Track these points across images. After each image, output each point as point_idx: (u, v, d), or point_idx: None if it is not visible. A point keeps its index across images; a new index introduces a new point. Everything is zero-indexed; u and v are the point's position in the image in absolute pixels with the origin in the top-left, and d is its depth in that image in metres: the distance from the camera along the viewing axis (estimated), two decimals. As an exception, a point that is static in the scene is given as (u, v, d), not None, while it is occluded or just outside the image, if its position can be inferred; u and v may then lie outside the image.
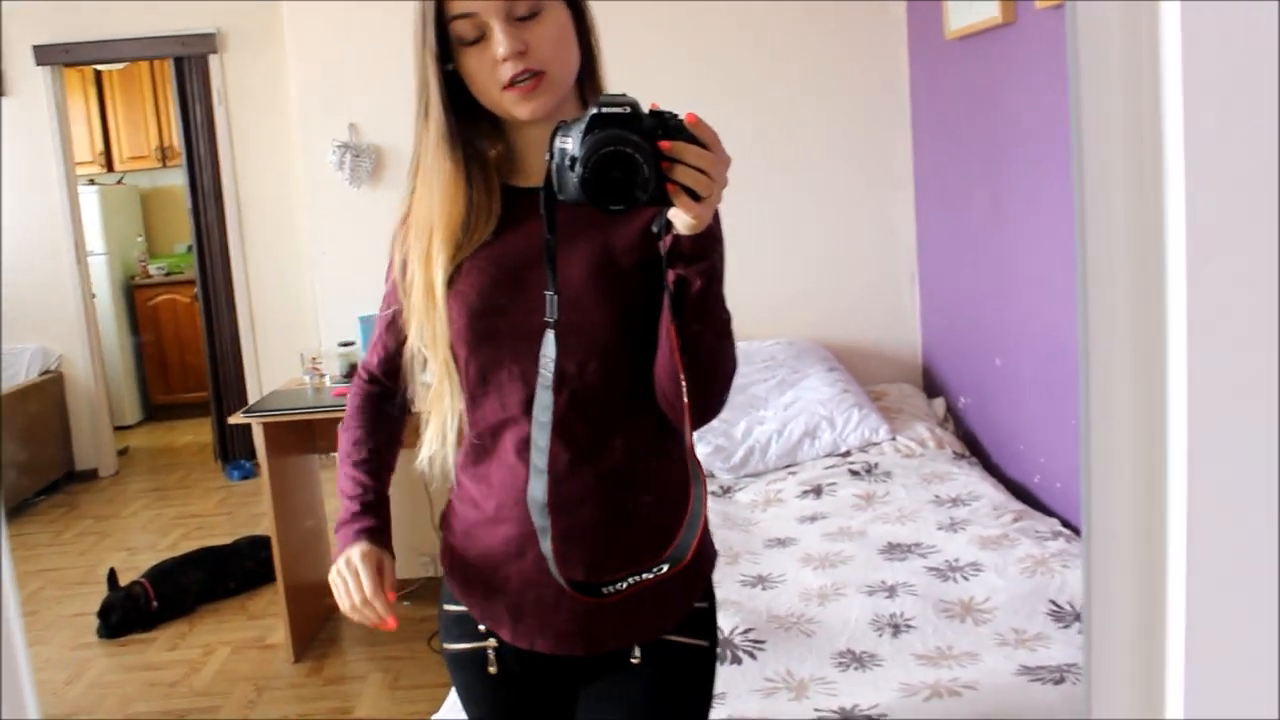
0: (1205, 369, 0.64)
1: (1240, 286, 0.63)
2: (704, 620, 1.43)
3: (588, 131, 1.13)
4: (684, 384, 1.21)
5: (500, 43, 1.23)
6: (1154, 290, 0.66)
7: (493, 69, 1.25)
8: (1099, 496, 0.69)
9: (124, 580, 4.11)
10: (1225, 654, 0.66)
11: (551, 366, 1.24)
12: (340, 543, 1.41)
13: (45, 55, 5.81)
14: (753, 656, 2.15)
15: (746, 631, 2.23)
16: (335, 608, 3.99)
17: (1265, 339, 0.62)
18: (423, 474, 1.43)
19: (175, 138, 6.77)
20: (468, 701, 1.49)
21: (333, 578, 1.38)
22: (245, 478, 5.99)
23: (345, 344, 3.83)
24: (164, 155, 7.72)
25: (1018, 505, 2.82)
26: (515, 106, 1.27)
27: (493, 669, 1.41)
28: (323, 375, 3.85)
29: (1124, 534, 0.69)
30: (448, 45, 1.27)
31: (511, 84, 1.25)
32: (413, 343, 1.37)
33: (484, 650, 1.41)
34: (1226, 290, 0.63)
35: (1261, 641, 0.64)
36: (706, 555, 1.44)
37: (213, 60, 5.80)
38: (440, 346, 1.33)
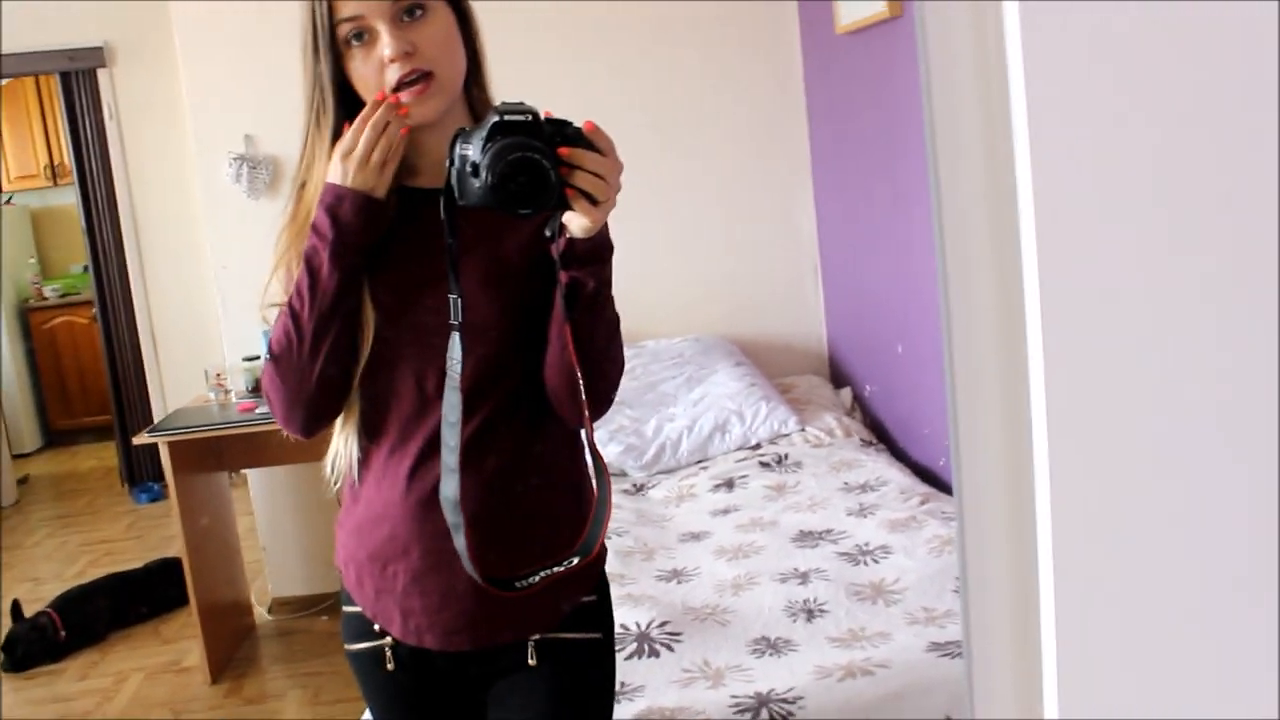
0: (1061, 351, 0.67)
1: (1091, 262, 0.66)
2: (595, 612, 1.45)
3: (489, 139, 1.17)
4: (580, 380, 1.24)
5: (387, 44, 1.25)
6: (1010, 271, 0.69)
7: (379, 71, 1.27)
8: (969, 480, 0.72)
9: (29, 611, 3.99)
10: (1098, 640, 0.69)
11: (458, 368, 1.26)
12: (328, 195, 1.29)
13: (-77, 74, 5.62)
14: (670, 649, 2.17)
15: (663, 625, 2.25)
16: (253, 626, 3.97)
17: (1116, 316, 0.66)
18: (325, 475, 1.44)
19: (65, 155, 6.58)
20: (372, 703, 1.51)
21: (342, 150, 1.27)
22: (154, 500, 5.85)
23: (250, 358, 3.78)
24: (54, 173, 7.50)
25: (924, 488, 2.88)
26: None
27: (390, 666, 1.42)
28: (228, 391, 3.78)
29: (995, 521, 0.72)
30: (336, 50, 1.28)
31: (400, 86, 1.26)
32: None
33: (380, 648, 1.43)
34: (1078, 266, 0.67)
35: (1132, 626, 0.67)
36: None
37: (101, 74, 5.66)
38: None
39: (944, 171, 0.67)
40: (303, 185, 1.37)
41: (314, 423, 1.37)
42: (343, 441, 1.40)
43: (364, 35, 1.26)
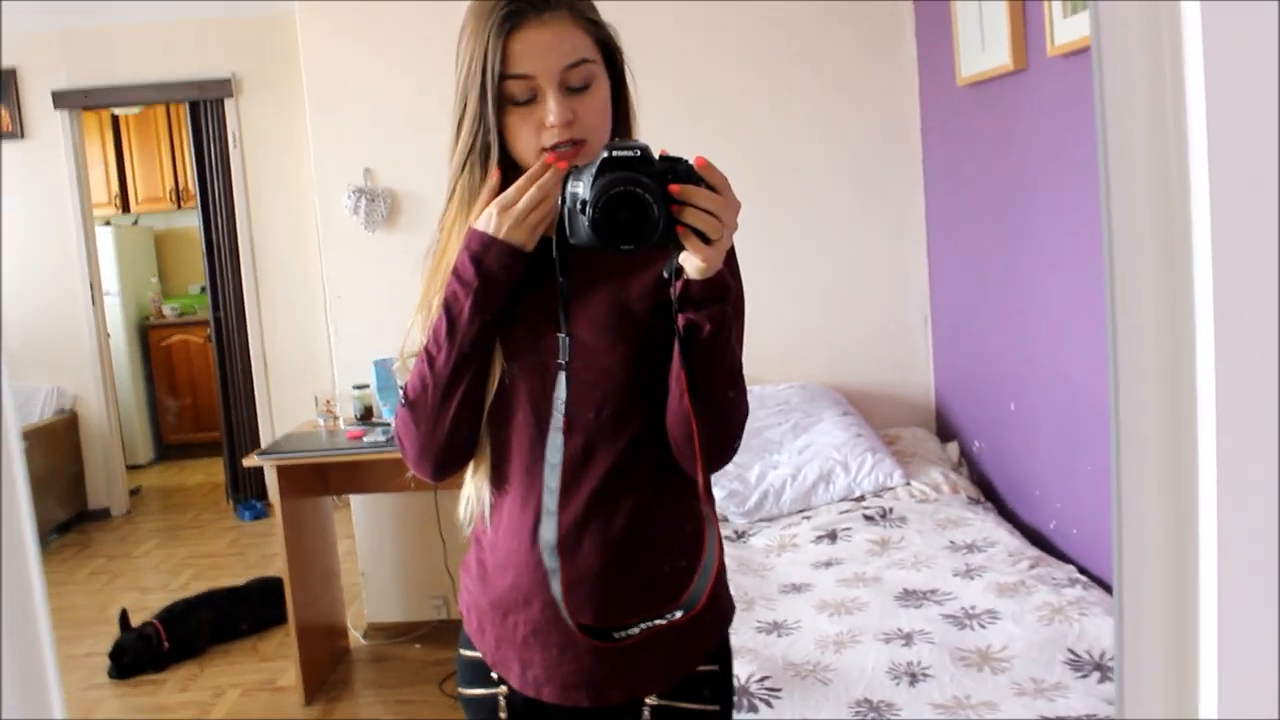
0: (1234, 406, 0.64)
1: (1268, 333, 0.64)
2: (715, 683, 1.42)
3: (598, 175, 1.15)
4: (695, 429, 1.22)
5: (553, 110, 1.24)
6: (1182, 334, 0.67)
7: (536, 131, 1.26)
8: (1130, 546, 0.70)
9: (135, 620, 4.10)
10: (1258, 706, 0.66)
11: (563, 409, 1.26)
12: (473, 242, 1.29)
13: (64, 100, 5.88)
14: (769, 704, 2.13)
15: (763, 679, 2.22)
16: (347, 650, 4.02)
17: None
18: (459, 519, 1.44)
19: (190, 180, 6.83)
20: None
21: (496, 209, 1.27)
22: (256, 518, 5.99)
23: (360, 387, 3.85)
24: (179, 197, 7.79)
25: (1033, 551, 2.80)
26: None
27: (503, 715, 1.41)
28: (336, 418, 3.86)
29: (1153, 589, 0.70)
30: (499, 100, 1.27)
31: (553, 148, 1.26)
32: None
33: (495, 697, 1.42)
34: (1254, 335, 0.64)
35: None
36: (719, 607, 1.43)
37: (228, 104, 5.87)
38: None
39: (1117, 236, 0.65)
40: (448, 227, 1.36)
41: (444, 468, 1.37)
42: (474, 487, 1.40)
43: (531, 96, 1.26)
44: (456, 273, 1.28)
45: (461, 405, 1.31)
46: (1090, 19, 0.64)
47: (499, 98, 1.26)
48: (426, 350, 1.31)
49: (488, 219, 1.27)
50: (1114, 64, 0.67)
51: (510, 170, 1.30)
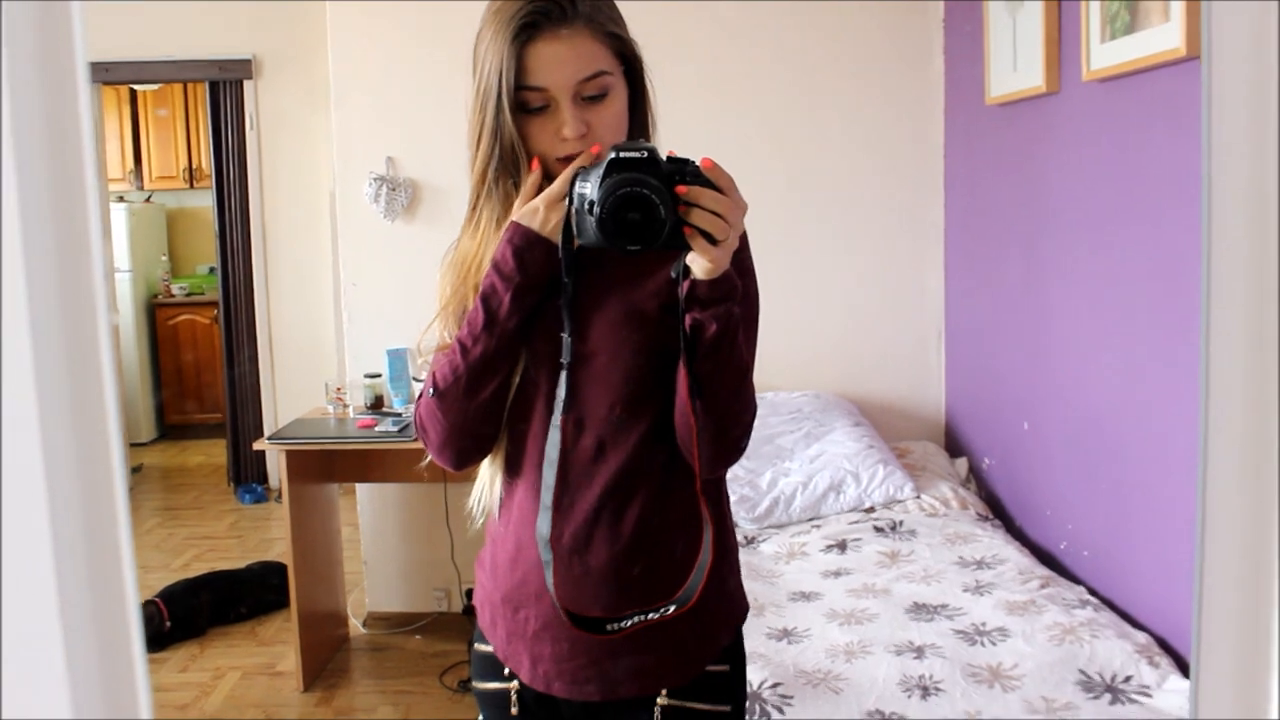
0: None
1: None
2: (726, 683, 1.43)
3: (606, 175, 1.16)
4: (695, 427, 1.23)
5: (567, 122, 1.26)
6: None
7: (553, 139, 1.28)
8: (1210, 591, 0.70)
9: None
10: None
11: (563, 406, 1.28)
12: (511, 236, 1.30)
13: (85, 73, 5.86)
14: (780, 711, 2.14)
15: (775, 686, 2.22)
16: (347, 637, 4.02)
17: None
18: (470, 511, 1.45)
19: (205, 160, 6.82)
20: None
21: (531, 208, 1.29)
22: (257, 501, 5.99)
23: (372, 375, 3.85)
24: (192, 176, 7.78)
25: (1044, 571, 2.81)
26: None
27: (514, 709, 1.43)
28: (346, 406, 3.86)
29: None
30: (514, 108, 1.28)
31: (569, 158, 1.28)
32: None
33: (507, 691, 1.43)
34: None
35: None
36: (730, 608, 1.44)
37: (247, 86, 5.86)
38: None
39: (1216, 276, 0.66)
40: (470, 231, 1.38)
41: (466, 457, 1.39)
42: (488, 480, 1.42)
43: (547, 106, 1.27)
44: (497, 266, 1.29)
45: (490, 397, 1.32)
46: (1202, 23, 0.64)
47: (515, 106, 1.27)
48: (460, 341, 1.32)
49: (533, 213, 1.28)
50: (1221, 75, 0.67)
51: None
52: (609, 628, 1.29)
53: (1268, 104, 0.66)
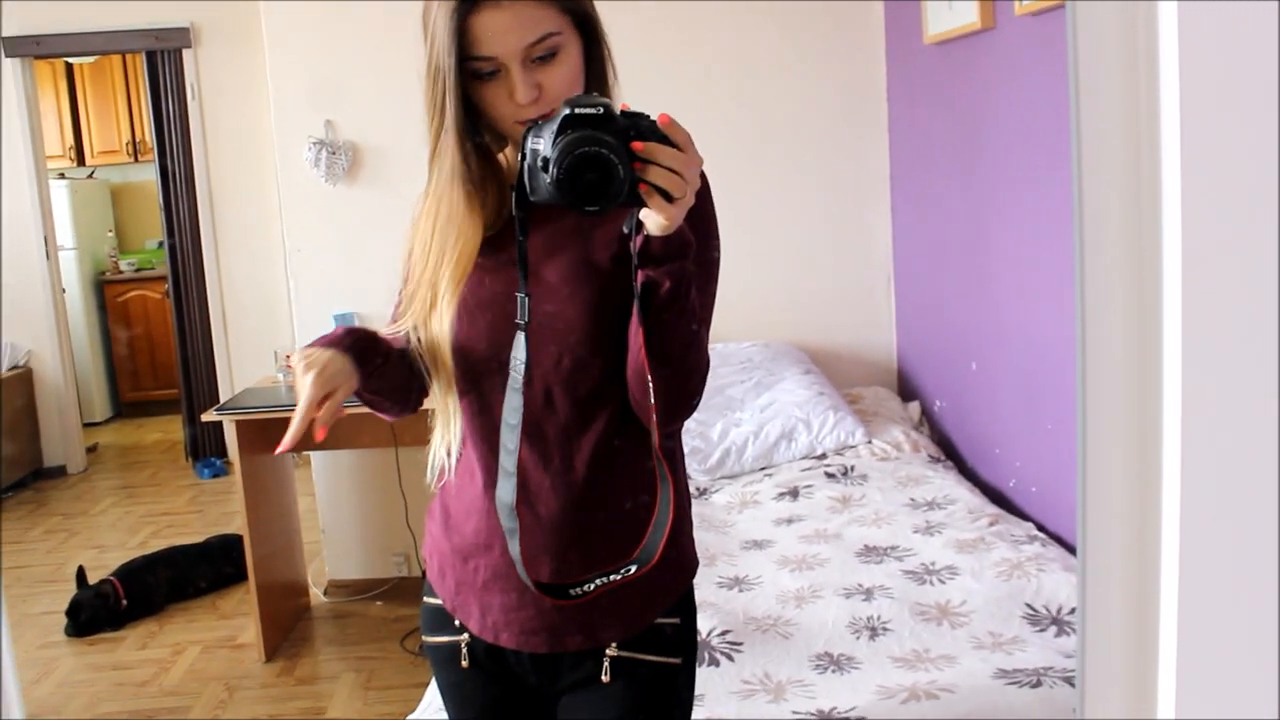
0: (1200, 378, 0.64)
1: (1236, 292, 0.63)
2: (677, 636, 1.42)
3: (560, 132, 1.13)
4: (650, 384, 1.22)
5: (518, 88, 1.23)
6: (1150, 296, 0.66)
7: (507, 103, 1.25)
8: (1093, 505, 0.69)
9: (93, 578, 4.06)
10: (1216, 661, 0.66)
11: (522, 369, 1.26)
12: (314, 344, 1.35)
13: (15, 47, 5.74)
14: (730, 658, 2.14)
15: (724, 633, 2.23)
16: (308, 607, 4.01)
17: (1261, 347, 0.62)
18: (428, 475, 1.45)
19: (147, 132, 6.69)
20: (445, 697, 1.51)
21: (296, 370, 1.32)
22: (215, 476, 5.95)
23: (320, 342, 3.80)
24: (135, 150, 7.64)
25: (993, 509, 2.83)
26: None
27: (465, 663, 1.42)
28: (296, 373, 3.81)
29: (1117, 545, 0.69)
30: (463, 76, 1.25)
31: (523, 123, 1.24)
32: (411, 342, 1.37)
33: (457, 644, 1.43)
34: (1222, 296, 0.64)
35: (1254, 649, 0.64)
36: (681, 562, 1.43)
37: (186, 54, 5.75)
38: (442, 351, 1.35)
39: (1088, 198, 0.64)
40: (428, 198, 1.36)
41: (401, 414, 1.45)
42: (439, 436, 1.41)
43: (498, 71, 1.25)
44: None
45: (397, 403, 1.42)
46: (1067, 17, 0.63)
47: (466, 75, 1.25)
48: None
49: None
50: (1086, 19, 0.66)
51: (494, 139, 1.32)
52: (573, 592, 1.28)
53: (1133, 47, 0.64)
